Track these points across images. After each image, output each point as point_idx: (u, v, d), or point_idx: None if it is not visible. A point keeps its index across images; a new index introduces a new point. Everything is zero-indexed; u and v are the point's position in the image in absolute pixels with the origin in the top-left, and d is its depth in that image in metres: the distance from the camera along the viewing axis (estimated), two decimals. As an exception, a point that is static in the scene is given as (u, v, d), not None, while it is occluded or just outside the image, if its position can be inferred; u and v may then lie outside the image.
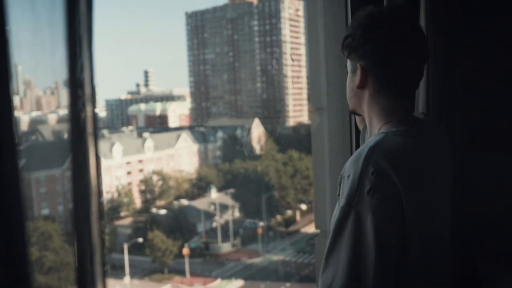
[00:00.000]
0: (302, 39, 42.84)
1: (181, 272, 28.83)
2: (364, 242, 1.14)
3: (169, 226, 31.88)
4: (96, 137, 0.51)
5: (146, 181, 36.82)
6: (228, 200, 34.74)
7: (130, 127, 45.45)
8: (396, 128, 1.22)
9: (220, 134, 41.33)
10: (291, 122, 44.16)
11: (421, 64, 1.30)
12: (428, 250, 1.24)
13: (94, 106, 0.51)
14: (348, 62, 1.32)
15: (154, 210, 34.98)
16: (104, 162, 33.44)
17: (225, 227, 32.72)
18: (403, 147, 1.19)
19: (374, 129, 1.29)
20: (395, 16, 1.26)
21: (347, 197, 1.15)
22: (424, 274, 1.25)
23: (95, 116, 0.51)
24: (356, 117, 1.64)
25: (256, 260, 30.26)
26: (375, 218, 1.12)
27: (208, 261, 30.52)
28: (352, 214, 1.14)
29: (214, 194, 35.30)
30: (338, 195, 1.21)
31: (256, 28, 45.23)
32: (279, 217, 34.31)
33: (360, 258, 1.14)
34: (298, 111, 44.10)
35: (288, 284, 27.15)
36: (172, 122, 47.77)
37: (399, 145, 1.18)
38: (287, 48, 44.28)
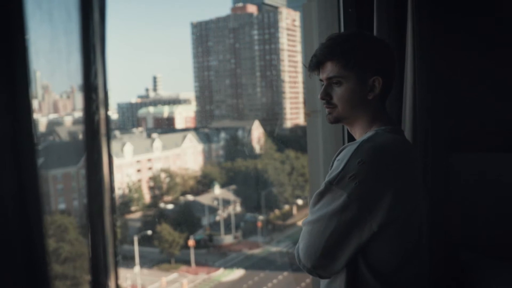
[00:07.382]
0: (299, 47, 42.82)
1: (187, 262, 28.81)
2: (329, 214, 1.19)
3: (176, 219, 31.85)
4: (109, 138, 0.51)
5: (154, 178, 36.75)
6: (230, 196, 34.68)
7: (140, 129, 45.35)
8: (385, 127, 1.29)
9: (223, 135, 41.29)
10: (288, 123, 44.11)
11: None
12: (410, 237, 1.25)
13: (106, 109, 0.51)
14: (346, 73, 1.30)
15: (162, 205, 34.91)
16: (116, 161, 33.39)
17: (227, 220, 32.68)
18: (394, 142, 1.25)
19: (364, 130, 1.32)
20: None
21: (332, 177, 1.21)
22: (407, 259, 1.25)
23: (107, 118, 0.51)
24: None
25: (256, 251, 30.23)
26: (348, 198, 1.17)
27: (211, 252, 30.47)
28: (331, 190, 1.20)
29: (217, 190, 35.25)
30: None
31: (256, 37, 45.18)
32: (277, 211, 34.28)
33: (321, 226, 1.20)
34: (294, 113, 44.05)
35: (285, 273, 27.11)
36: (179, 124, 47.69)
37: (390, 140, 1.24)
38: (284, 55, 44.24)
